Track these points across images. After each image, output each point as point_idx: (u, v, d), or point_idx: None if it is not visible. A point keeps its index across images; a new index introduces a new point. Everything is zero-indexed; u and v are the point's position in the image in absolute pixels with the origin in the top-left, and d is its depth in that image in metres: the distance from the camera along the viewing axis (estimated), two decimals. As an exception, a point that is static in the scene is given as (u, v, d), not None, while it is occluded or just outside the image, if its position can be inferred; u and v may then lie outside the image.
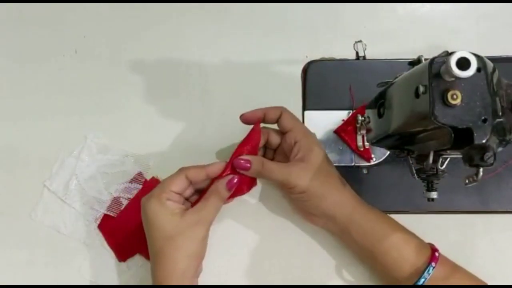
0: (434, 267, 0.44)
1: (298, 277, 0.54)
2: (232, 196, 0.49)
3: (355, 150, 0.54)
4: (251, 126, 0.50)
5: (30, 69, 0.60)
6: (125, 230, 0.55)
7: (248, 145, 0.49)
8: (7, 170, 0.58)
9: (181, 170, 0.48)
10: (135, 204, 0.56)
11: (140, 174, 0.57)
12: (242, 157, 0.48)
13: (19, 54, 0.61)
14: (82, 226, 0.56)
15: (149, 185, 0.56)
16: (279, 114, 0.49)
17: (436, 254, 0.46)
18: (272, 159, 0.52)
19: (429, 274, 0.44)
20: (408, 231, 0.48)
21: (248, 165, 0.48)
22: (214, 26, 0.60)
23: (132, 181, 0.57)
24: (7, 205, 0.57)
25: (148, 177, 0.57)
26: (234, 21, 0.60)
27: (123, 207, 0.56)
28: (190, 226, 0.46)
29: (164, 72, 0.59)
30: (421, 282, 0.44)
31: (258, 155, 0.50)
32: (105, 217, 0.56)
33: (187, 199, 0.51)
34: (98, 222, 0.56)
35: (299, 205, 0.51)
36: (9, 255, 0.56)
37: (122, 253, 0.55)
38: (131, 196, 0.56)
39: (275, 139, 0.51)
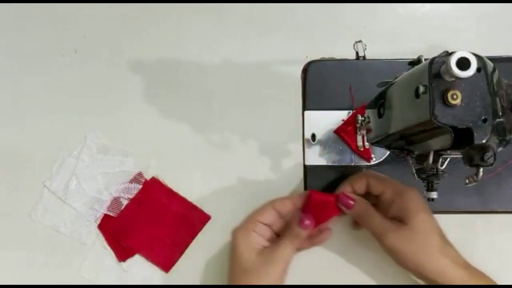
0: None
1: (298, 277, 0.54)
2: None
3: (355, 150, 0.54)
4: None
5: (30, 69, 0.60)
6: (125, 230, 0.55)
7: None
8: (7, 170, 0.58)
9: (269, 202, 0.49)
10: (135, 204, 0.56)
11: (140, 174, 0.57)
12: (348, 194, 0.48)
13: (19, 54, 0.61)
14: (82, 226, 0.56)
15: (149, 185, 0.56)
16: (365, 183, 0.49)
17: None
18: (374, 205, 0.49)
19: None
20: None
21: (352, 203, 0.48)
22: (214, 26, 0.60)
23: (132, 181, 0.57)
24: (7, 205, 0.57)
25: (148, 177, 0.57)
26: (234, 21, 0.60)
27: (123, 207, 0.56)
28: (264, 264, 0.46)
29: (164, 72, 0.59)
30: None
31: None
32: (105, 217, 0.56)
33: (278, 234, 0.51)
34: (98, 222, 0.56)
35: None
36: (9, 255, 0.56)
37: (122, 253, 0.55)
38: (131, 196, 0.56)
39: (375, 189, 0.49)
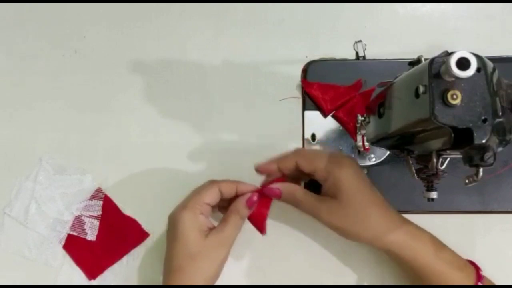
0: None
1: (298, 277, 0.54)
2: (254, 223, 0.48)
3: (352, 132, 0.55)
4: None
5: (30, 69, 0.60)
6: (92, 247, 0.55)
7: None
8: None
9: (213, 183, 0.47)
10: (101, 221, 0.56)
11: (99, 190, 0.57)
12: (271, 186, 0.47)
13: (19, 54, 0.61)
14: (47, 248, 0.56)
15: (106, 201, 0.56)
16: (294, 164, 0.46)
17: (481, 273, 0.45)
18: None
19: None
20: (451, 253, 0.46)
21: (278, 192, 0.47)
22: (214, 26, 0.60)
23: (92, 198, 0.56)
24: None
25: (108, 192, 0.57)
26: (234, 21, 0.60)
27: (86, 225, 0.56)
28: (212, 247, 0.45)
29: (164, 72, 0.59)
30: None
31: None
32: (70, 237, 0.56)
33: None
34: (63, 243, 0.56)
35: None
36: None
37: (91, 271, 0.55)
38: (93, 214, 0.56)
39: (306, 169, 0.47)
